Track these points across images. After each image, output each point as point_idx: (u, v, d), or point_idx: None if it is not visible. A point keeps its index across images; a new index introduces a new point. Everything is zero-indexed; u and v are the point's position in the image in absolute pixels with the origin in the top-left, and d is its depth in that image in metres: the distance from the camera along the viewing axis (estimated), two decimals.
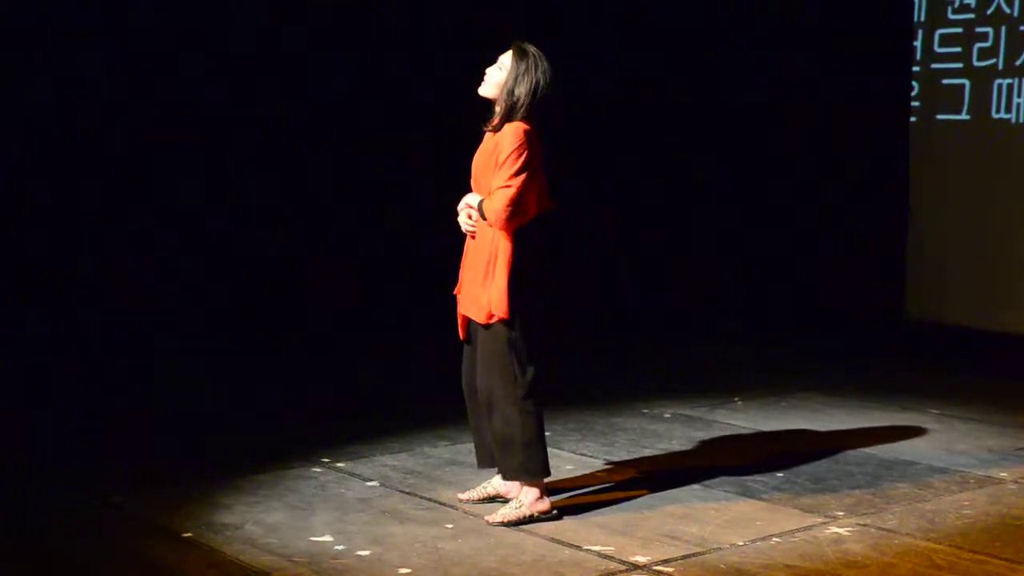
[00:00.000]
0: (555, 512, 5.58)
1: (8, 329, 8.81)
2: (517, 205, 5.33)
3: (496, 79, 5.49)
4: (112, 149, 9.32)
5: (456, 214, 5.58)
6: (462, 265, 5.62)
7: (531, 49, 5.48)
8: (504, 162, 5.33)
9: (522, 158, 5.32)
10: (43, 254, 9.08)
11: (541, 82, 5.42)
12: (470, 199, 5.52)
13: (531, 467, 5.50)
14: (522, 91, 5.41)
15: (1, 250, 8.92)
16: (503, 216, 5.32)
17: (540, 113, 5.44)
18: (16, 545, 5.20)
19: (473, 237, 5.52)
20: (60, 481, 6.08)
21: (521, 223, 5.38)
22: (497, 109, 5.48)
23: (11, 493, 5.89)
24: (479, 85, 5.54)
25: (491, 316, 5.42)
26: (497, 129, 5.45)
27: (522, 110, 5.41)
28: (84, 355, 8.92)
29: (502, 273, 5.37)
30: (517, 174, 5.31)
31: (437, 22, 10.54)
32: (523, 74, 5.42)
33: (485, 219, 5.40)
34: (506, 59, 5.49)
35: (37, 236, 9.06)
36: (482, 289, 5.43)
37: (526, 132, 5.37)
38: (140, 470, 6.31)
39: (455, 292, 5.64)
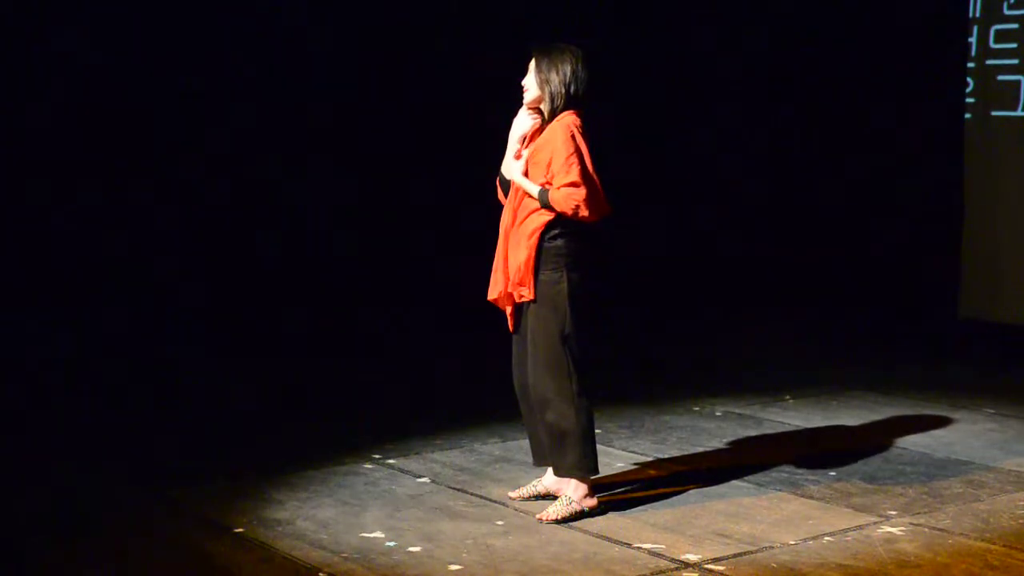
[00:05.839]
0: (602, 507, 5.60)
1: (56, 328, 8.91)
2: (591, 201, 5.36)
3: (532, 82, 5.55)
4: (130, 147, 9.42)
5: (494, 190, 5.66)
6: (496, 259, 5.63)
7: (552, 44, 5.56)
8: (564, 163, 5.36)
9: (579, 154, 5.36)
10: (71, 255, 9.18)
11: (571, 63, 5.48)
12: (522, 181, 5.53)
13: (587, 464, 5.51)
14: (557, 78, 5.46)
15: (43, 250, 9.05)
16: (583, 212, 5.35)
17: (583, 97, 5.49)
18: (71, 538, 5.25)
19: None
20: (115, 476, 6.14)
21: (601, 213, 5.42)
22: (544, 108, 5.53)
23: (66, 487, 5.95)
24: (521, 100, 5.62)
25: (520, 293, 5.46)
26: (548, 122, 5.50)
27: (564, 97, 5.46)
28: (136, 352, 9.00)
29: (533, 253, 5.44)
30: (582, 172, 5.35)
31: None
32: (551, 63, 5.49)
33: (544, 205, 5.42)
34: (532, 62, 5.56)
35: (63, 236, 9.17)
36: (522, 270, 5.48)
37: (576, 127, 5.41)
38: (194, 466, 6.36)
39: (489, 299, 5.66)
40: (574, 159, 5.35)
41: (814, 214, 11.54)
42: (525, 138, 5.59)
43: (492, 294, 5.64)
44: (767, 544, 5.23)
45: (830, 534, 5.36)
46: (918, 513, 5.67)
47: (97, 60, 9.18)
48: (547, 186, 5.42)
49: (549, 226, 5.43)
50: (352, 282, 10.23)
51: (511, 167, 5.57)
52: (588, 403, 5.51)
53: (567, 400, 5.46)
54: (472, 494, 5.90)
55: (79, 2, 9.06)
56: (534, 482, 5.82)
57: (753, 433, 7.20)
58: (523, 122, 5.60)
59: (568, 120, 5.44)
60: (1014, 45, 10.42)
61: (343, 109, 10.28)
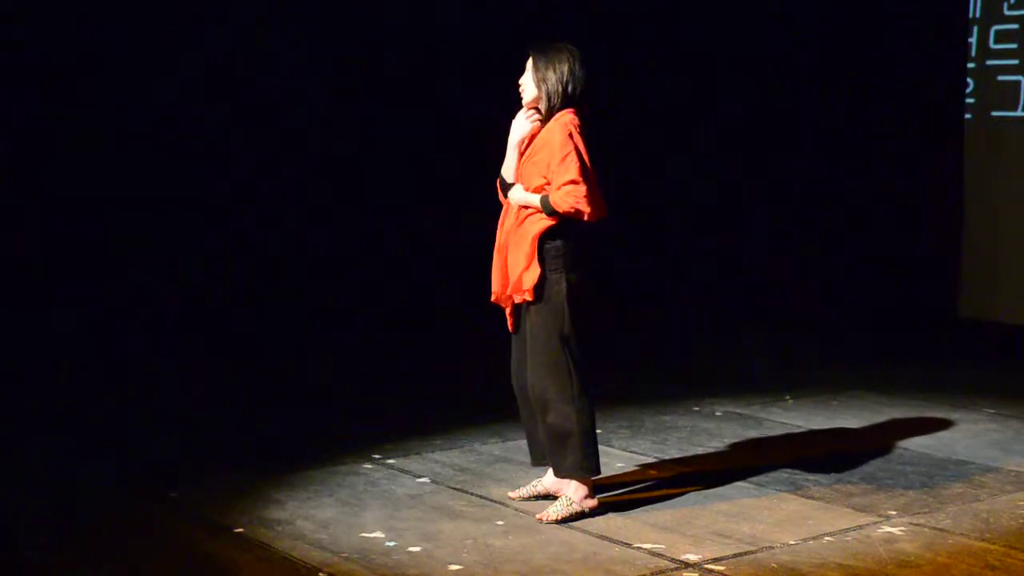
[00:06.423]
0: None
1: (56, 328, 8.92)
2: (591, 198, 5.35)
3: (529, 80, 5.56)
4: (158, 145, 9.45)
5: (495, 193, 5.66)
6: (495, 258, 5.64)
7: (550, 43, 5.55)
8: (562, 161, 5.35)
9: (578, 152, 5.35)
10: (78, 254, 9.19)
11: (569, 62, 5.48)
12: (522, 197, 5.52)
13: (588, 464, 5.50)
14: (553, 77, 5.47)
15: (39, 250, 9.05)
16: (585, 208, 5.33)
17: (580, 96, 5.49)
18: (69, 539, 5.25)
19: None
20: (113, 476, 6.14)
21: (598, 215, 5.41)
22: (542, 108, 5.53)
23: (65, 488, 5.95)
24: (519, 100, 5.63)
25: (521, 295, 5.46)
26: (545, 121, 5.50)
27: (561, 96, 5.47)
28: (134, 353, 8.99)
29: (534, 254, 5.43)
30: (581, 169, 5.34)
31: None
32: (548, 63, 5.49)
33: (549, 212, 5.41)
34: (529, 62, 5.56)
35: (75, 234, 9.18)
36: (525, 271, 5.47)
37: (575, 126, 5.40)
38: (193, 466, 6.36)
39: (492, 299, 5.67)
40: (572, 157, 5.34)
41: (814, 214, 11.54)
42: (524, 141, 5.59)
43: (492, 294, 5.64)
44: (767, 544, 5.23)
45: (830, 534, 5.36)
46: (918, 513, 5.67)
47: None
48: (546, 188, 5.42)
49: (550, 227, 5.43)
50: (352, 282, 10.23)
51: (511, 192, 5.56)
52: (589, 403, 5.50)
53: (567, 401, 5.45)
54: (472, 494, 5.90)
55: None
56: (534, 482, 5.82)
57: (753, 433, 7.20)
58: (522, 125, 5.59)
59: (566, 119, 5.44)
60: (1014, 45, 10.42)
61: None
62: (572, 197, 5.33)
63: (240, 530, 5.33)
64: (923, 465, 6.50)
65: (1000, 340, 10.16)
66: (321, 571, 4.85)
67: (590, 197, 5.34)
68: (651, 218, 11.52)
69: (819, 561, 5.03)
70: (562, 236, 5.43)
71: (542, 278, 5.43)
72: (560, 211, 5.36)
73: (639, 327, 10.67)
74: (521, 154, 5.57)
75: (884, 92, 11.02)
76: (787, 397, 8.14)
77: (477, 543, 5.19)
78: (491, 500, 5.80)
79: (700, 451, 6.77)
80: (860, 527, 5.46)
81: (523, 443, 6.01)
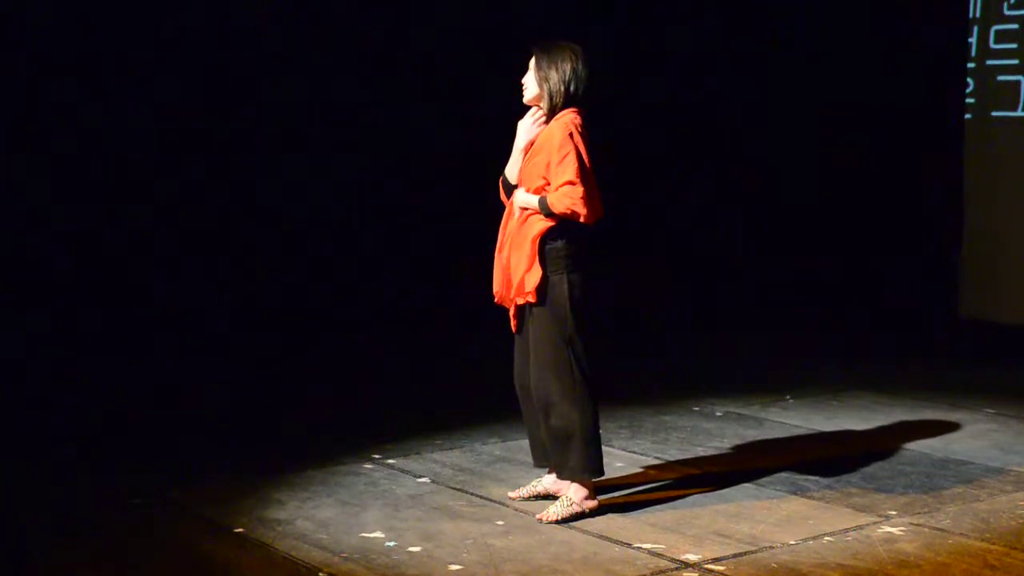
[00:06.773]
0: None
1: (59, 326, 8.91)
2: (588, 199, 5.34)
3: (531, 79, 5.56)
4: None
5: (497, 191, 5.65)
6: (496, 259, 5.64)
7: (553, 42, 5.55)
8: (561, 162, 5.34)
9: (577, 153, 5.34)
10: (101, 254, 9.20)
11: (571, 61, 5.47)
12: (524, 198, 5.52)
13: (590, 466, 5.50)
14: (555, 76, 5.47)
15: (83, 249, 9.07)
16: (580, 210, 5.32)
17: (582, 96, 5.49)
18: (70, 540, 5.25)
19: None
20: (113, 477, 6.14)
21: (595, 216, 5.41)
22: (543, 107, 5.52)
23: (65, 489, 5.95)
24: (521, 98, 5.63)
25: (524, 297, 5.45)
26: (548, 120, 5.50)
27: (563, 96, 5.46)
28: (134, 352, 8.99)
29: (535, 256, 5.42)
30: (579, 170, 5.33)
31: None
32: (550, 62, 5.49)
33: (547, 213, 5.40)
34: (532, 60, 5.56)
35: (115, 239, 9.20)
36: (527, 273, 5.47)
37: (576, 126, 5.40)
38: (193, 466, 6.36)
39: (496, 301, 5.66)
40: (571, 158, 5.33)
41: (814, 214, 11.54)
42: (531, 144, 5.56)
43: (495, 295, 5.64)
44: (767, 544, 5.23)
45: (830, 534, 5.36)
46: (918, 513, 5.67)
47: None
48: (546, 188, 5.41)
49: (551, 228, 5.43)
50: (352, 282, 10.23)
51: (515, 194, 5.56)
52: (592, 404, 5.50)
53: (571, 402, 5.45)
54: (472, 494, 5.90)
55: None
56: (534, 482, 5.82)
57: (754, 433, 7.20)
58: (529, 129, 5.58)
59: (567, 119, 5.43)
60: (1014, 45, 10.42)
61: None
62: (568, 198, 5.32)
63: (240, 530, 5.34)
64: (923, 465, 6.50)
65: (1000, 340, 10.15)
66: (321, 571, 4.85)
67: (587, 199, 5.33)
68: (651, 217, 11.51)
69: (819, 561, 5.03)
70: (563, 237, 5.43)
71: (544, 280, 5.43)
72: (556, 212, 5.36)
73: (639, 327, 10.66)
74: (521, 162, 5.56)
75: (884, 92, 11.02)
76: (787, 397, 8.14)
77: (477, 543, 5.19)
78: (491, 500, 5.80)
79: (700, 451, 6.77)
80: (860, 527, 5.46)
81: (523, 443, 6.01)
